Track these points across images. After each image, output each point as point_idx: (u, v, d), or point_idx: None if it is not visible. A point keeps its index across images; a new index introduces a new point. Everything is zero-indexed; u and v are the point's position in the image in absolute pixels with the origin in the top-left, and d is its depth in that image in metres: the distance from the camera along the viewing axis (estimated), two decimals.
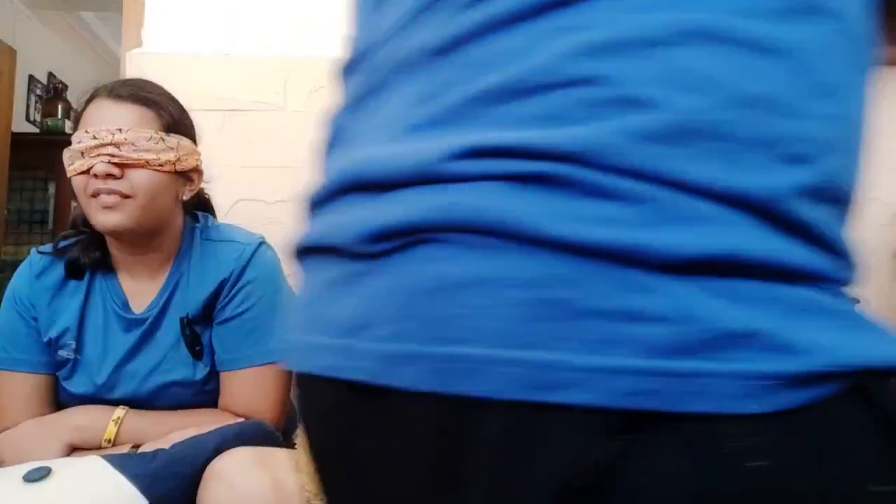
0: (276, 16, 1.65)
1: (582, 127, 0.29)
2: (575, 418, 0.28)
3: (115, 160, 0.97)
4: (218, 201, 1.25)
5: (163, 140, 1.01)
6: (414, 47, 0.35)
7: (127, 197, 0.98)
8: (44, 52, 4.04)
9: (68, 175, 1.00)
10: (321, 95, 1.63)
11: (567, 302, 0.28)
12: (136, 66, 1.58)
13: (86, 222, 1.06)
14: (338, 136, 0.41)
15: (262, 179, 1.60)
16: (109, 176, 0.97)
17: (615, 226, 0.28)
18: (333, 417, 0.38)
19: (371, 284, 0.33)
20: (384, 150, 0.34)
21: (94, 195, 0.98)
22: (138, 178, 0.99)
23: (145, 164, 0.99)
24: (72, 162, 0.99)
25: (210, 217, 1.17)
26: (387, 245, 0.33)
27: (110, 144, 0.96)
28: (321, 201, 0.39)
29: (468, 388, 0.29)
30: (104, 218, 0.98)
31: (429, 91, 0.34)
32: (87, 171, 0.97)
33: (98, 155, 0.96)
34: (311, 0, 1.66)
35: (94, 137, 0.97)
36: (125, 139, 0.97)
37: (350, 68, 0.42)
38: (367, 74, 0.39)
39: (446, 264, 0.31)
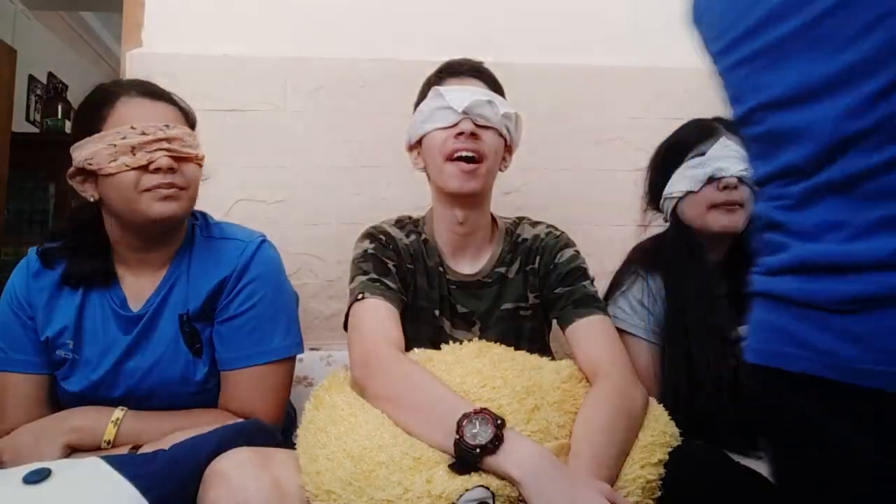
0: (276, 16, 1.65)
1: None
2: None
3: (172, 154, 0.99)
4: (218, 201, 1.25)
5: (195, 137, 1.05)
6: (835, 177, 0.55)
7: (183, 189, 1.01)
8: (44, 52, 4.04)
9: (109, 172, 0.96)
10: (321, 96, 1.63)
11: None
12: (136, 66, 1.58)
13: (85, 224, 1.06)
14: (778, 223, 0.61)
15: (262, 179, 1.60)
16: (170, 169, 0.99)
17: None
18: (805, 398, 0.58)
19: (837, 328, 0.54)
20: (836, 247, 0.55)
21: (150, 189, 0.98)
22: (190, 172, 1.02)
23: (194, 159, 1.03)
24: (115, 158, 0.96)
25: (209, 215, 1.16)
26: (849, 306, 0.53)
27: (164, 139, 0.98)
28: (783, 270, 0.60)
29: None
30: (163, 208, 0.99)
31: (854, 209, 0.54)
32: (142, 167, 0.97)
33: (156, 150, 0.98)
34: (311, 0, 1.66)
35: (144, 133, 0.97)
36: (175, 135, 1.00)
37: (776, 179, 0.61)
38: (794, 186, 0.59)
39: None
